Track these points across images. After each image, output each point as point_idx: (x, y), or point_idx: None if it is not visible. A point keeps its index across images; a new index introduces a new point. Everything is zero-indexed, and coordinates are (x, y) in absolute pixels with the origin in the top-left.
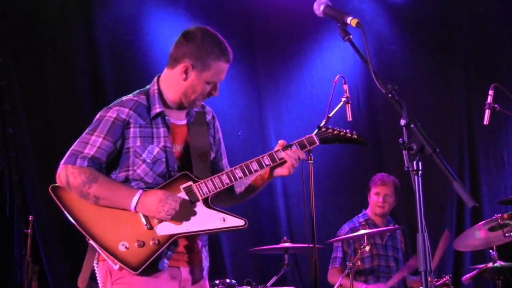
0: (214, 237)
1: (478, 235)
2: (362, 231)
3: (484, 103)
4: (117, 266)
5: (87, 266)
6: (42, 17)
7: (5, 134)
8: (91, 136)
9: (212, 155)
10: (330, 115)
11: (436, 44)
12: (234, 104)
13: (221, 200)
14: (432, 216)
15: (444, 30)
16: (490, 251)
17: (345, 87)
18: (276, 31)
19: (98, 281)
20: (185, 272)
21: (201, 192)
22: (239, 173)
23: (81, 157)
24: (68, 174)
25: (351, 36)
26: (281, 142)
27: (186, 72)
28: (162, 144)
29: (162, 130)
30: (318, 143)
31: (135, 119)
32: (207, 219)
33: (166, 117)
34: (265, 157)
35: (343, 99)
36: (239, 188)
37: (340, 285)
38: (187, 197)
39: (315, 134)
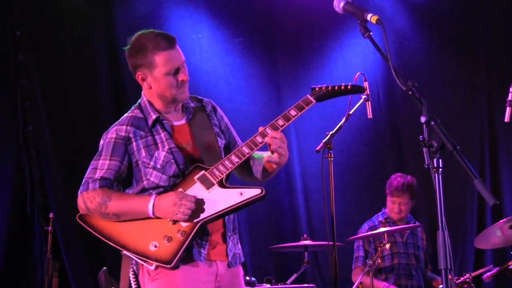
0: None
1: (499, 233)
2: (382, 229)
3: (505, 100)
4: (153, 266)
5: (124, 274)
6: (62, 15)
7: (25, 132)
8: (98, 161)
9: (222, 142)
10: (351, 112)
11: (457, 41)
12: (254, 102)
13: (242, 177)
14: (452, 214)
15: (465, 27)
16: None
17: (366, 84)
18: (296, 28)
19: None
20: (220, 265)
21: (214, 176)
22: (246, 149)
23: (92, 181)
24: (85, 200)
25: (371, 33)
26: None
27: (143, 80)
28: (167, 147)
29: (163, 134)
30: (314, 101)
31: (134, 133)
32: (225, 198)
33: (164, 121)
34: (267, 128)
35: (364, 96)
36: (258, 174)
37: (360, 282)
38: (202, 186)
39: (310, 95)
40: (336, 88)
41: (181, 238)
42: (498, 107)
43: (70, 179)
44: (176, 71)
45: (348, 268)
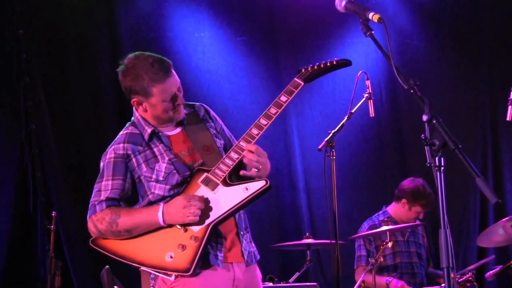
0: None
1: (501, 232)
2: (384, 227)
3: (507, 99)
4: (173, 276)
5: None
6: (65, 14)
7: (28, 131)
8: (101, 183)
9: (220, 142)
10: (353, 111)
11: (459, 39)
12: (256, 100)
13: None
14: (455, 212)
15: (467, 25)
16: None
17: (368, 83)
18: (299, 27)
19: None
20: (237, 269)
21: (217, 177)
22: (243, 144)
23: (99, 203)
24: (95, 223)
25: (373, 32)
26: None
27: (139, 105)
28: (166, 158)
29: (160, 146)
30: (302, 83)
31: (132, 149)
32: (232, 196)
33: (160, 134)
34: (261, 118)
35: (366, 95)
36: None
37: (363, 281)
38: (207, 188)
39: (297, 77)
40: (321, 65)
41: (195, 244)
42: (500, 105)
43: (72, 178)
44: (173, 97)
45: (350, 267)
